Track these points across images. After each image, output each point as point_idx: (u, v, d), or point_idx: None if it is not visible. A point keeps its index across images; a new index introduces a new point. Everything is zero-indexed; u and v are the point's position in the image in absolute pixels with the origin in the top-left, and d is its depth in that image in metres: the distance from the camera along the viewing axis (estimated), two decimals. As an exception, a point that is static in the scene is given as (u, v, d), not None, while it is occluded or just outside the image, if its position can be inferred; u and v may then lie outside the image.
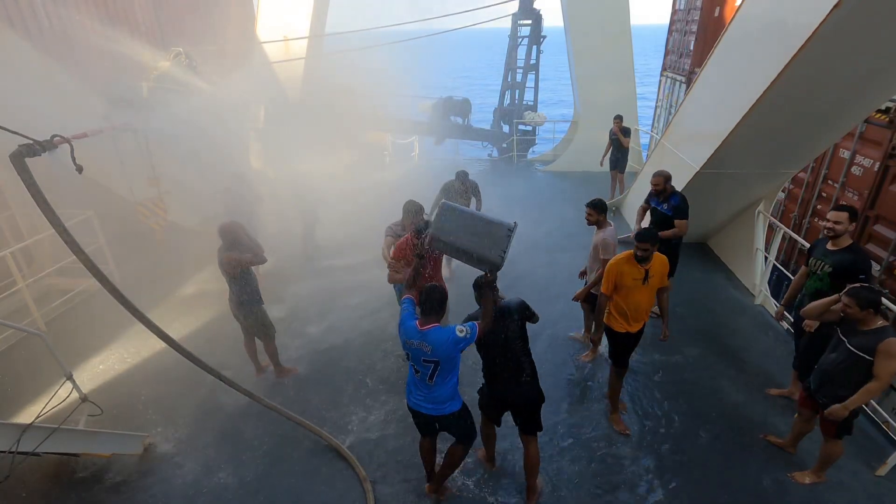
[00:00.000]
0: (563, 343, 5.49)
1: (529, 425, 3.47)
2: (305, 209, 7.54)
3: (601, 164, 10.31)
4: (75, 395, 4.08)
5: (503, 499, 3.70)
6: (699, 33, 13.10)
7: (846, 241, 3.88)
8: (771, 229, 6.85)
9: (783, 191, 8.50)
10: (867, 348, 3.12)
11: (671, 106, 14.29)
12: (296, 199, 7.56)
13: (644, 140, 13.59)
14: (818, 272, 3.98)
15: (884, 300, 4.35)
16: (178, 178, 7.55)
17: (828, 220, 3.88)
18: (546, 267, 7.23)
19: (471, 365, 4.44)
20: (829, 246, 3.94)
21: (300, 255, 7.63)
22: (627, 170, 12.34)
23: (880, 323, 3.15)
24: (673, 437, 4.22)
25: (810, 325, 4.03)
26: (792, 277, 6.61)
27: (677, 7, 14.84)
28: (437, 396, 3.22)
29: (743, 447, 4.11)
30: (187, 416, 4.53)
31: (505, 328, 3.25)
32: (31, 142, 2.74)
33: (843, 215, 3.81)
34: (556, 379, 4.91)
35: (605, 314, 4.15)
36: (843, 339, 3.28)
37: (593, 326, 4.61)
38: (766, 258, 6.34)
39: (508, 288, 6.65)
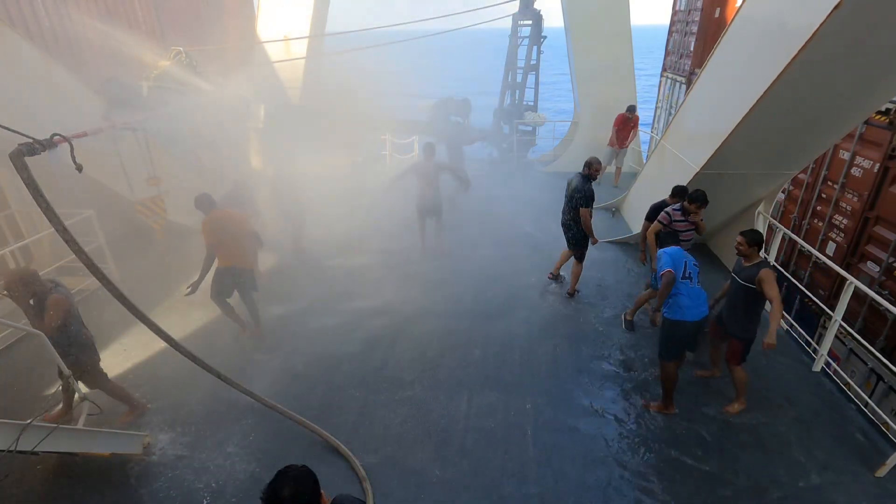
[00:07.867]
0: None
1: None
2: (291, 212, 7.15)
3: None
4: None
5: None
6: (699, 34, 13.09)
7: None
8: (771, 230, 6.84)
9: (783, 192, 8.50)
10: (750, 278, 4.00)
11: (671, 107, 14.29)
12: (280, 200, 7.14)
13: (644, 140, 13.59)
14: None
15: (882, 301, 4.37)
16: (179, 178, 7.54)
17: None
18: (546, 267, 7.22)
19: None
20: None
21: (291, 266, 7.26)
22: (627, 170, 12.39)
23: (758, 259, 4.10)
24: (670, 434, 4.23)
25: None
26: (792, 279, 6.68)
27: (677, 7, 14.82)
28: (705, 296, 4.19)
29: (742, 445, 4.11)
30: (187, 416, 4.52)
31: None
32: (31, 141, 2.75)
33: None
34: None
35: None
36: (734, 275, 4.25)
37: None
38: (765, 259, 6.32)
39: (509, 285, 6.66)
